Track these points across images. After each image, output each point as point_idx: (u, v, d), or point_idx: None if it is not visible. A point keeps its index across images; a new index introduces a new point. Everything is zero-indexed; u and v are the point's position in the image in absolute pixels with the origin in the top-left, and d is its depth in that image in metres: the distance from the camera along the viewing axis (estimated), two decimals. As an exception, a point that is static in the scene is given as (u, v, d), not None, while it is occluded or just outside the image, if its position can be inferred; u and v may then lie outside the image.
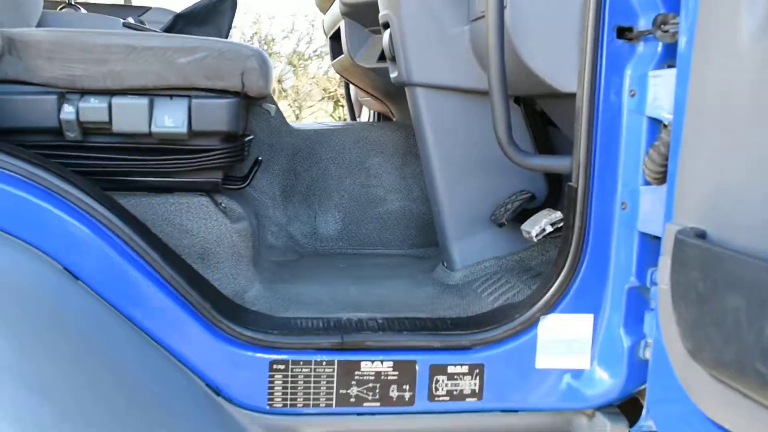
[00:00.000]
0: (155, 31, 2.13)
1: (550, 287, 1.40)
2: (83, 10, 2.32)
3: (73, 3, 2.29)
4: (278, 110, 2.14)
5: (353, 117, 3.36)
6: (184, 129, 1.52)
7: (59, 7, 2.32)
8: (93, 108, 1.50)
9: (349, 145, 2.20)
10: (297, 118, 8.96)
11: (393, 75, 1.84)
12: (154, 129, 1.52)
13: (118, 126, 1.52)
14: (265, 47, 9.04)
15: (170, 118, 1.52)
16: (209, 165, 1.60)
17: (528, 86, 1.55)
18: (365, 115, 3.23)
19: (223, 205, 1.70)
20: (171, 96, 1.54)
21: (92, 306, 1.32)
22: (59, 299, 1.29)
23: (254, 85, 1.55)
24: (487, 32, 1.37)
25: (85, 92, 1.52)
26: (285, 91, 9.24)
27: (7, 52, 1.51)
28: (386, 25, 1.80)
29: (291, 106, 9.19)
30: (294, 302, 1.61)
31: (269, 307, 1.56)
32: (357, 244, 2.19)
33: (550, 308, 1.40)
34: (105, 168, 1.57)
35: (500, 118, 1.43)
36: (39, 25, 2.05)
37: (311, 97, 9.66)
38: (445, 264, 1.83)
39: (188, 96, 1.54)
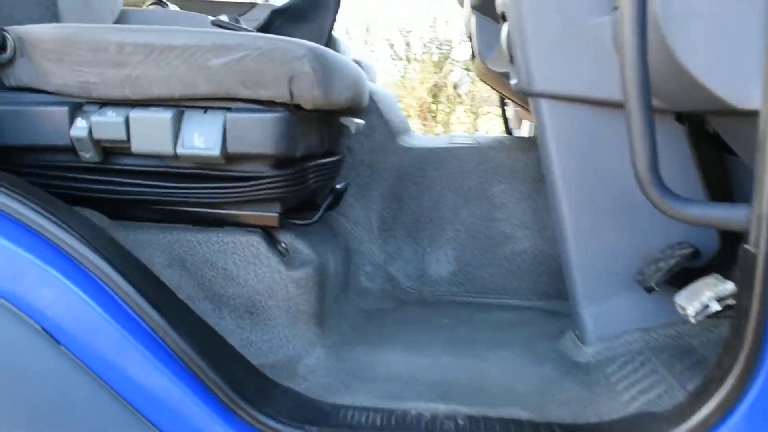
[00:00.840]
0: (248, 30, 1.82)
1: (710, 397, 0.93)
2: (174, 7, 2.06)
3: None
4: (365, 125, 1.76)
5: (508, 130, 2.91)
6: (216, 151, 1.18)
7: (146, 4, 2.08)
8: (107, 123, 1.20)
9: (468, 168, 1.78)
10: (474, 126, 8.57)
11: (512, 81, 1.41)
12: (180, 150, 1.19)
13: (137, 146, 1.20)
14: (441, 51, 8.71)
15: (201, 137, 1.18)
16: (255, 197, 1.25)
17: (691, 99, 1.08)
18: (526, 129, 2.77)
19: (283, 245, 1.35)
20: (205, 109, 1.20)
21: (77, 379, 1.01)
22: (34, 368, 1.00)
23: (307, 93, 1.17)
24: (622, 22, 0.92)
25: (102, 102, 1.22)
26: (460, 96, 8.87)
27: (20, 53, 1.24)
28: (504, 17, 1.38)
29: (467, 113, 8.81)
30: (358, 378, 1.22)
31: (323, 385, 1.19)
32: (474, 290, 1.76)
33: (707, 430, 0.93)
34: (128, 196, 1.26)
35: (640, 144, 0.98)
36: (119, 23, 1.80)
37: (489, 102, 9.22)
38: (575, 332, 1.38)
39: (223, 108, 1.20)
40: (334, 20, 1.87)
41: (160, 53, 1.17)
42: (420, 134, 2.34)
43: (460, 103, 8.86)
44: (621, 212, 1.30)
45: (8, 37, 1.24)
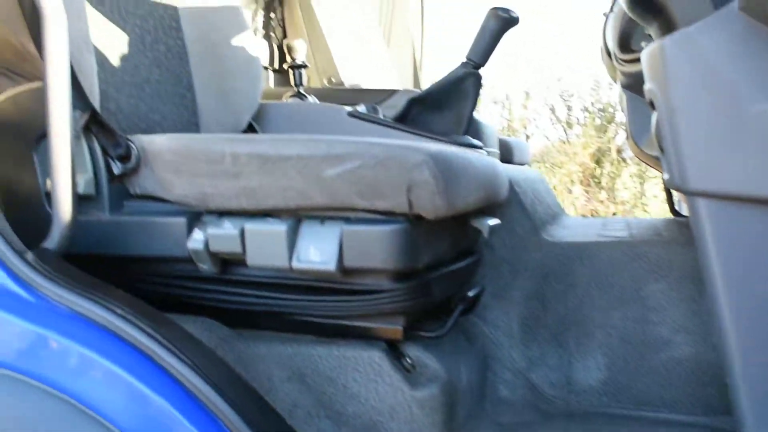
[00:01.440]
0: (384, 121, 1.77)
1: None
2: (311, 99, 2.05)
3: (301, 91, 2.03)
4: (506, 218, 1.64)
5: (672, 207, 2.69)
6: (332, 266, 1.10)
7: (285, 96, 2.08)
8: (224, 236, 1.16)
9: (620, 265, 1.62)
10: (641, 191, 8.19)
11: (665, 176, 1.26)
12: (295, 264, 1.13)
13: (253, 259, 1.16)
14: (604, 114, 8.45)
15: (317, 251, 1.12)
16: (375, 310, 1.16)
17: None
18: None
19: (408, 360, 1.25)
20: (322, 219, 1.14)
21: None
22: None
23: (427, 203, 1.08)
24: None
25: (220, 213, 1.19)
26: (625, 160, 8.53)
27: (143, 163, 1.24)
28: (653, 105, 1.24)
29: (632, 177, 8.46)
30: None
31: None
32: (628, 401, 1.58)
33: None
34: (246, 306, 1.22)
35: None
36: (258, 119, 1.80)
37: (657, 165, 8.78)
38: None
39: (340, 219, 1.13)
40: (473, 107, 1.79)
41: (274, 164, 1.12)
42: (572, 218, 2.20)
43: (626, 167, 8.52)
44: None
45: (132, 147, 1.24)
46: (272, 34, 2.84)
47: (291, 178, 1.12)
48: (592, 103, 8.76)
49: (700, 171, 1.11)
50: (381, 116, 1.83)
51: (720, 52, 1.00)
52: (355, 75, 2.74)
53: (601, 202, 7.96)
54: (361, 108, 1.83)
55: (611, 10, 2.05)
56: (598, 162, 8.15)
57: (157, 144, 1.22)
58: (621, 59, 1.86)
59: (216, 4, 1.76)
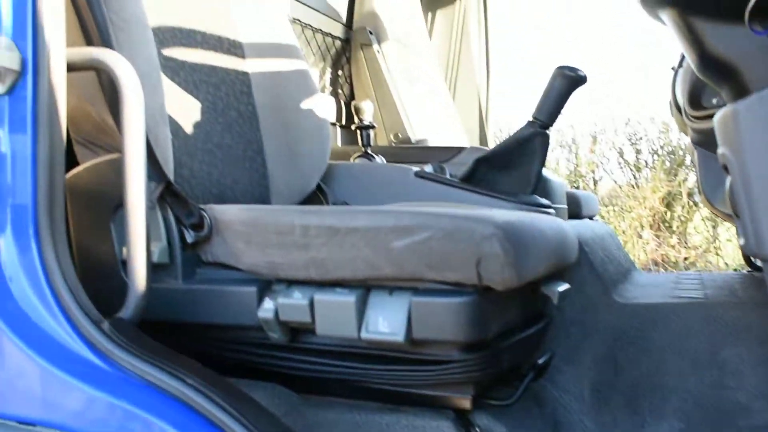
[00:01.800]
0: (452, 181, 1.78)
1: None
2: (379, 159, 2.07)
3: (368, 152, 2.05)
4: (576, 279, 1.62)
5: (748, 261, 2.62)
6: (401, 337, 1.11)
7: (353, 157, 2.10)
8: (293, 306, 1.17)
9: (695, 328, 1.58)
10: (713, 235, 7.97)
11: (740, 241, 1.23)
12: (364, 334, 1.13)
13: (322, 328, 1.17)
14: (674, 158, 8.29)
15: (385, 322, 1.12)
16: (444, 380, 1.15)
17: None
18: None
19: (477, 429, 1.23)
20: (390, 290, 1.14)
21: None
22: None
23: (497, 276, 1.07)
24: None
25: (289, 282, 1.21)
26: (697, 205, 8.34)
27: (215, 232, 1.27)
28: (726, 169, 1.21)
29: (704, 221, 8.25)
30: None
31: None
32: (705, 470, 1.53)
33: None
34: (315, 374, 1.22)
35: None
36: (326, 179, 1.82)
37: (732, 209, 8.53)
38: None
39: (408, 290, 1.13)
40: (541, 167, 1.78)
41: (344, 236, 1.14)
42: (644, 275, 2.16)
43: (697, 210, 8.32)
44: None
45: (205, 215, 1.27)
46: (340, 91, 2.89)
47: (359, 250, 1.13)
48: (662, 146, 8.62)
49: (778, 238, 1.08)
50: (448, 175, 1.83)
51: None
52: (421, 130, 2.76)
53: (673, 246, 7.76)
54: (428, 168, 1.83)
55: (680, 64, 2.02)
56: (668, 206, 7.98)
57: (228, 214, 1.24)
58: (691, 116, 1.83)
59: (286, 68, 1.80)
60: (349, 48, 2.89)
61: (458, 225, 1.09)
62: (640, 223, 8.11)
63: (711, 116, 1.54)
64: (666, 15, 1.16)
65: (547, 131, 1.77)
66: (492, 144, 3.55)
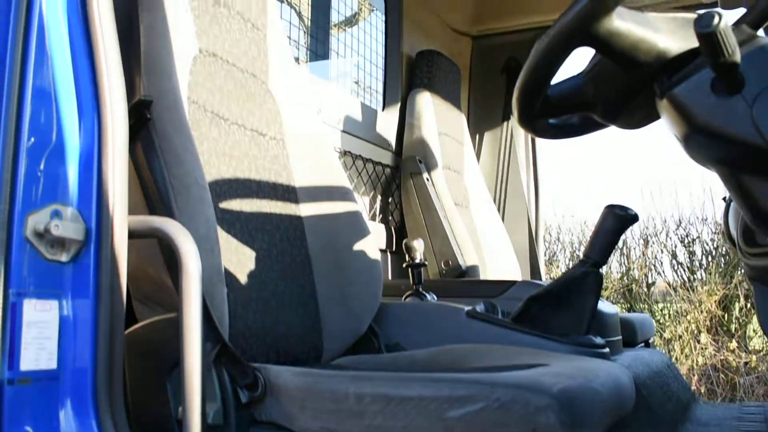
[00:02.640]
0: (503, 321, 1.77)
1: None
2: (430, 296, 2.07)
3: (420, 290, 2.07)
4: (633, 421, 1.57)
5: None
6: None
7: (405, 296, 2.11)
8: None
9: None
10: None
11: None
12: None
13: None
14: (730, 259, 8.11)
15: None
16: None
17: None
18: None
19: None
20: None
21: None
22: None
23: (555, 447, 1.06)
24: None
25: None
26: (755, 307, 8.09)
27: (269, 392, 1.27)
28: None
29: (765, 326, 7.99)
30: None
31: None
32: None
33: None
34: None
35: None
36: (378, 319, 1.83)
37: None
38: None
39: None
40: (595, 306, 1.76)
41: (397, 404, 1.13)
42: (705, 407, 2.10)
43: (756, 312, 8.05)
44: None
45: (260, 376, 1.28)
46: (390, 217, 2.93)
47: (413, 419, 1.12)
48: (716, 248, 8.47)
49: None
50: (500, 314, 1.83)
51: None
52: (471, 257, 2.77)
53: (732, 351, 7.54)
54: (480, 307, 1.83)
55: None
56: (725, 308, 7.78)
57: (283, 377, 1.25)
58: (746, 252, 1.81)
59: (338, 210, 1.84)
60: (398, 175, 2.95)
61: (513, 395, 1.08)
62: (696, 326, 7.91)
63: (766, 254, 1.53)
64: (715, 170, 1.17)
65: (599, 270, 1.76)
66: (542, 259, 3.54)
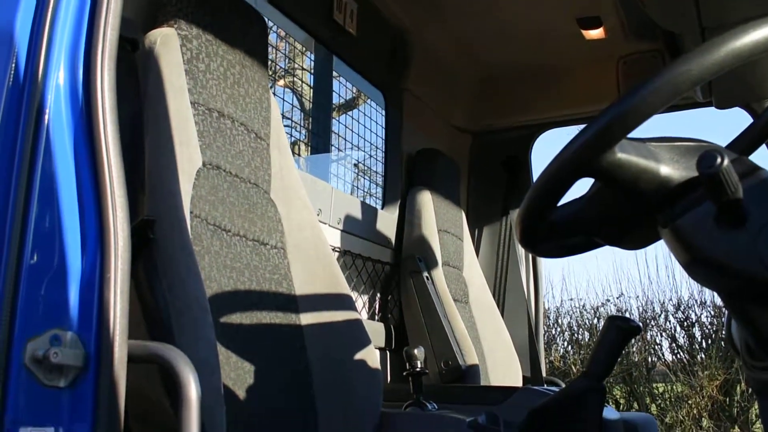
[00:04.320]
0: (505, 433, 1.74)
1: None
2: (431, 406, 2.04)
3: (420, 399, 2.04)
4: None
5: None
6: None
7: (405, 405, 2.08)
8: None
9: None
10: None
11: None
12: None
13: None
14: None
15: None
16: None
17: None
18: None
19: None
20: None
21: None
22: None
23: None
24: None
25: None
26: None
27: None
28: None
29: None
30: None
31: None
32: None
33: None
34: None
35: None
36: (379, 430, 1.80)
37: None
38: None
39: None
40: (598, 422, 1.73)
41: None
42: None
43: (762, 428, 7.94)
44: None
45: None
46: (390, 315, 2.92)
47: None
48: (715, 331, 8.41)
49: None
50: (502, 426, 1.80)
51: None
52: (471, 356, 2.75)
53: (732, 437, 7.43)
54: (481, 418, 1.80)
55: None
56: (726, 393, 7.68)
57: None
58: (750, 364, 1.79)
59: (338, 319, 1.83)
60: (398, 273, 2.94)
61: None
62: (698, 411, 7.79)
63: (771, 368, 1.52)
64: (719, 295, 1.17)
65: (602, 384, 1.74)
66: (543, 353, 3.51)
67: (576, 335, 8.60)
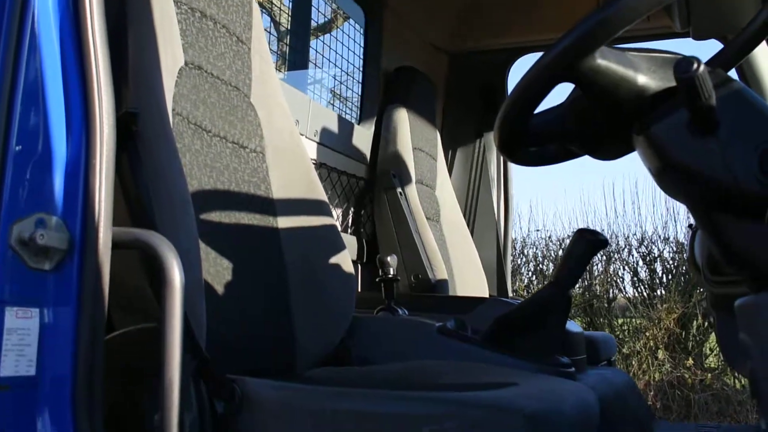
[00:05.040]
0: (473, 339, 1.81)
1: None
2: (402, 312, 2.11)
3: (392, 305, 2.10)
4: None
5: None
6: None
7: (376, 310, 2.15)
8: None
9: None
10: (729, 358, 7.82)
11: (762, 424, 1.24)
12: None
13: None
14: (690, 278, 8.25)
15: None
16: None
17: None
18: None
19: None
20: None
21: None
22: None
23: (523, 466, 1.10)
24: None
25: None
26: (712, 325, 8.25)
27: (246, 406, 1.29)
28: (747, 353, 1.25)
29: (721, 344, 8.11)
30: None
31: None
32: None
33: None
34: None
35: None
36: (351, 332, 1.86)
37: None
38: None
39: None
40: (562, 328, 1.81)
41: (372, 421, 1.17)
42: (663, 425, 2.15)
43: (712, 331, 8.22)
44: None
45: (236, 389, 1.30)
46: (362, 229, 2.96)
47: (391, 435, 1.15)
48: (676, 266, 8.62)
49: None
50: (470, 332, 1.86)
51: None
52: (440, 271, 2.81)
53: (689, 368, 7.67)
54: (450, 323, 1.87)
55: (699, 226, 2.07)
56: (683, 326, 7.90)
57: (259, 390, 1.27)
58: (711, 280, 1.86)
59: (315, 224, 1.86)
60: (372, 188, 2.98)
61: (487, 416, 1.12)
62: (655, 343, 8.01)
63: (731, 282, 1.58)
64: (686, 204, 1.22)
65: (568, 293, 1.81)
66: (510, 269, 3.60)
67: (541, 266, 8.72)
